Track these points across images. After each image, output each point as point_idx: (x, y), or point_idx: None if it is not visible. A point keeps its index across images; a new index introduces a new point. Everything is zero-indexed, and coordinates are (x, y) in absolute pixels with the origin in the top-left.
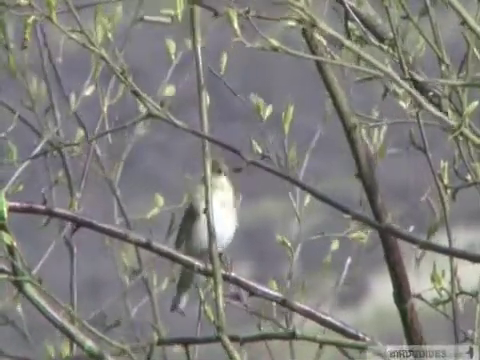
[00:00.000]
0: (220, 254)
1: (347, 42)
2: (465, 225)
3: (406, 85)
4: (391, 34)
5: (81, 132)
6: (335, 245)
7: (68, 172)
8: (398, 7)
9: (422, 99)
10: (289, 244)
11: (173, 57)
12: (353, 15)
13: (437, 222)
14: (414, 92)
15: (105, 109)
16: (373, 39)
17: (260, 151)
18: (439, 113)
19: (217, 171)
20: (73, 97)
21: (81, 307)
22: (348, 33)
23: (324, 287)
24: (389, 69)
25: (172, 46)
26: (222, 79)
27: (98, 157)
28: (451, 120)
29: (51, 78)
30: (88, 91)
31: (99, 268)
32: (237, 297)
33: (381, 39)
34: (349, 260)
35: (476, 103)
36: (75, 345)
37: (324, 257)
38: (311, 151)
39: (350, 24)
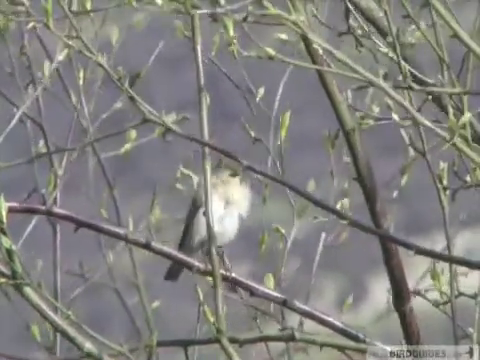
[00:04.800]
0: (219, 247)
1: (339, 54)
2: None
3: (398, 96)
4: (393, 32)
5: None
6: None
7: (48, 144)
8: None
9: (415, 112)
10: (283, 231)
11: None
12: (354, 12)
13: (407, 164)
14: (406, 104)
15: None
16: (375, 35)
17: (253, 135)
18: (431, 125)
19: (224, 166)
20: (47, 63)
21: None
22: (349, 28)
23: (322, 285)
24: (381, 82)
25: None
26: (225, 73)
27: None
28: (444, 132)
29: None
30: (61, 56)
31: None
32: (234, 289)
33: (383, 33)
34: (323, 235)
35: (468, 115)
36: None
37: (322, 255)
38: (309, 151)
39: (351, 21)
